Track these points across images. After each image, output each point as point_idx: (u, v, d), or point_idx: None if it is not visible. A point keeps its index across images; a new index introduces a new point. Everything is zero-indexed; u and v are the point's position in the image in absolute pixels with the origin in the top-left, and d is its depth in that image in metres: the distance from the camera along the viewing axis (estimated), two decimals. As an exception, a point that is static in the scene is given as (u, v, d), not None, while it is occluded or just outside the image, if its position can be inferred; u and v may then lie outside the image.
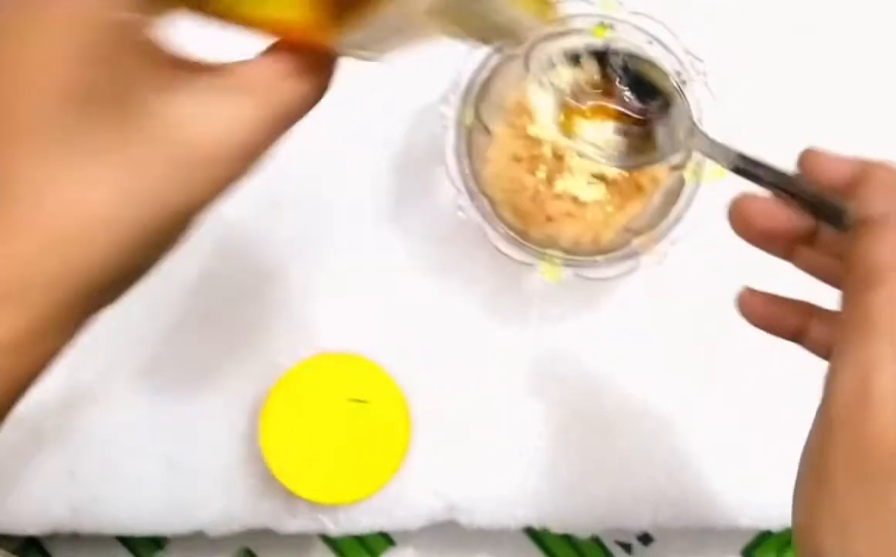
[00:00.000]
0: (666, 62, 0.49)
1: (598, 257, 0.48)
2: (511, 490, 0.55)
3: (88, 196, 0.32)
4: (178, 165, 0.33)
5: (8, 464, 0.55)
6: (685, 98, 0.42)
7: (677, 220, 0.48)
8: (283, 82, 0.34)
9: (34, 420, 0.55)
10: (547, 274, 0.47)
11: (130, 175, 0.32)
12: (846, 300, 0.34)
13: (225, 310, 0.55)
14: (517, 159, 0.50)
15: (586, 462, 0.55)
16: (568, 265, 0.47)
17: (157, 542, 0.66)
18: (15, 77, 0.32)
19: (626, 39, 0.49)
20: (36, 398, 0.52)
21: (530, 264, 0.47)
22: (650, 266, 0.48)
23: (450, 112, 0.47)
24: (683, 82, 0.49)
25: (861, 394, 0.32)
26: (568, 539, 0.64)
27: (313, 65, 0.35)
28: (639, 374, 0.55)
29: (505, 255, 0.47)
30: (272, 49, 0.34)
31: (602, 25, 0.49)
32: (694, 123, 0.41)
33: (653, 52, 0.49)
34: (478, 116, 0.48)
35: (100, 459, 0.56)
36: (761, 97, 0.56)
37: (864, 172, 0.36)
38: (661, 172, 0.50)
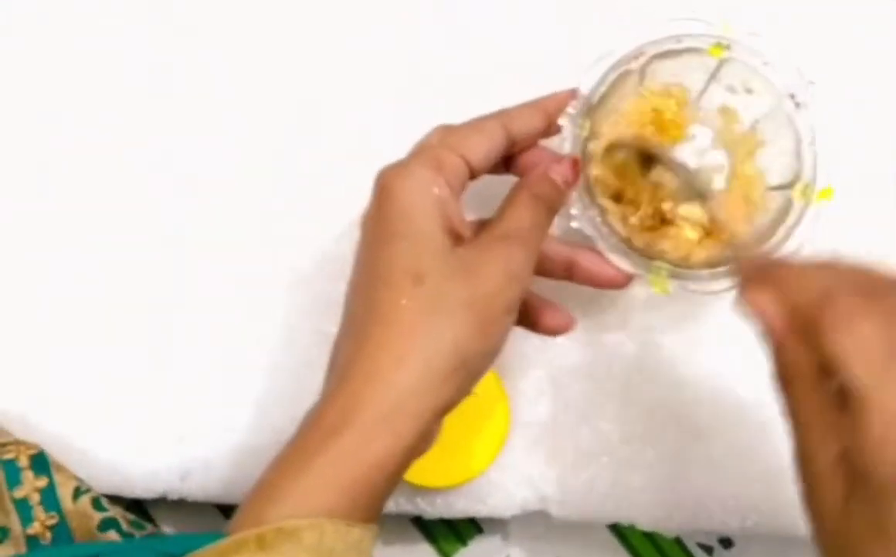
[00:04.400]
0: (779, 84, 0.50)
1: (704, 271, 0.48)
2: (603, 486, 0.56)
3: (450, 335, 0.40)
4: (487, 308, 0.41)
5: (123, 428, 0.59)
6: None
7: (785, 238, 0.49)
8: (543, 221, 0.45)
9: (150, 387, 0.59)
10: (655, 285, 0.48)
11: (468, 321, 0.41)
12: (860, 499, 0.35)
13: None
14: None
15: (679, 464, 0.56)
16: (674, 277, 0.48)
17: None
18: (410, 225, 0.42)
19: (742, 60, 0.50)
20: (153, 369, 0.57)
21: (638, 275, 0.48)
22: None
23: (568, 125, 0.49)
24: (798, 104, 0.50)
25: None
26: (651, 538, 0.65)
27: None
28: (737, 383, 0.56)
29: (614, 265, 0.48)
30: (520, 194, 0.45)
31: (719, 45, 0.50)
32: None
33: (767, 73, 0.50)
34: (594, 128, 0.49)
35: (210, 427, 0.58)
36: (873, 119, 0.56)
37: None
38: (766, 193, 0.51)
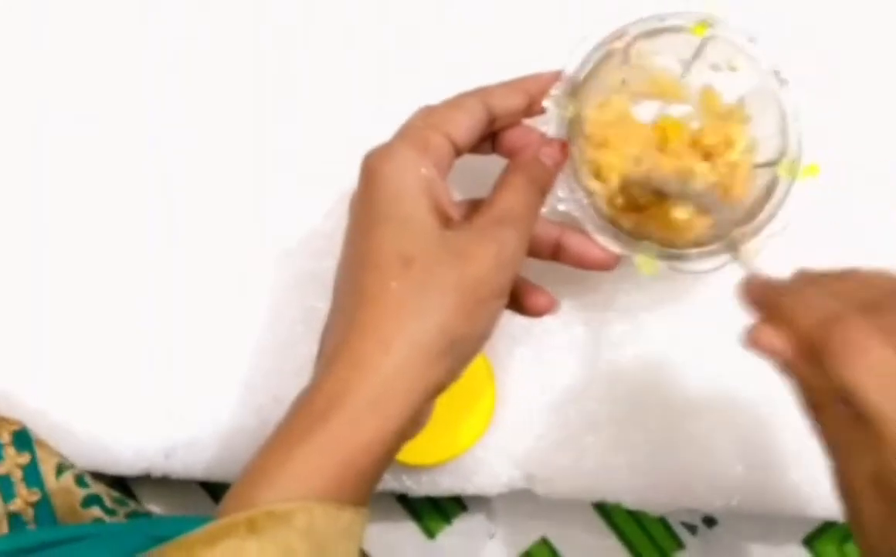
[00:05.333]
0: (764, 61, 0.50)
1: (693, 251, 0.48)
2: (588, 464, 0.56)
3: (438, 317, 0.41)
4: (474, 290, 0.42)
5: (107, 405, 0.58)
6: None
7: (771, 216, 0.49)
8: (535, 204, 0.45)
9: (134, 364, 0.58)
10: (643, 266, 0.48)
11: (457, 303, 0.41)
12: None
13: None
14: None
15: (664, 443, 0.56)
16: (662, 258, 0.48)
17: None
18: (398, 208, 0.42)
19: (725, 37, 0.50)
20: (137, 346, 0.57)
21: (625, 256, 0.48)
22: (744, 261, 0.48)
23: (553, 107, 0.48)
24: (782, 81, 0.50)
25: None
26: (635, 516, 0.66)
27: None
28: (723, 362, 0.56)
29: (602, 246, 0.48)
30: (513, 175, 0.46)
31: (702, 23, 0.50)
32: None
33: (751, 51, 0.50)
34: (579, 110, 0.49)
35: (195, 404, 0.58)
36: (858, 98, 0.57)
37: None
38: (752, 171, 0.51)
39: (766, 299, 0.41)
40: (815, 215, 0.54)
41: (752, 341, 0.39)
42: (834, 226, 0.56)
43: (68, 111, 0.60)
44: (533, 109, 0.48)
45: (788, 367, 0.38)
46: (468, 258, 0.41)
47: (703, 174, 0.50)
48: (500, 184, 0.45)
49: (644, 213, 0.50)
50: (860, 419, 0.35)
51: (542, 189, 0.46)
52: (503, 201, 0.44)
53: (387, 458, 0.40)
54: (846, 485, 0.38)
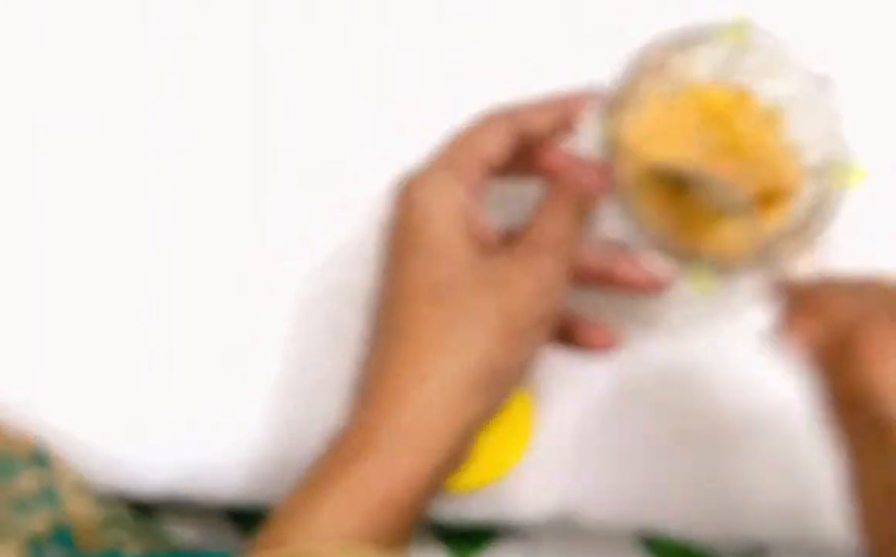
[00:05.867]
0: (802, 66, 0.49)
1: (745, 267, 0.47)
2: (631, 492, 0.55)
3: (476, 349, 0.40)
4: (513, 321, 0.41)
5: (127, 425, 0.57)
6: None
7: (822, 226, 0.47)
8: (576, 231, 0.44)
9: (155, 386, 0.57)
10: (696, 285, 0.47)
11: (496, 334, 0.40)
12: None
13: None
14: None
15: (711, 469, 0.55)
16: (715, 276, 0.47)
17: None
18: (433, 237, 0.41)
19: (761, 44, 0.49)
20: (157, 366, 0.57)
21: (676, 276, 0.48)
22: (796, 275, 0.47)
23: (590, 125, 0.48)
24: (823, 85, 0.49)
25: None
26: (681, 550, 0.64)
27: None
28: (774, 387, 0.54)
29: (650, 270, 0.48)
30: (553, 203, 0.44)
31: (737, 31, 0.49)
32: None
33: (789, 56, 0.49)
34: (617, 127, 0.48)
35: (218, 426, 0.57)
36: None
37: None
38: (800, 180, 0.50)
39: (800, 294, 0.41)
40: (862, 221, 0.52)
41: (785, 331, 0.39)
42: (879, 231, 0.56)
43: (68, 111, 0.60)
44: (567, 128, 0.47)
45: (817, 360, 0.38)
46: (504, 288, 0.41)
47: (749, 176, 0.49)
48: (538, 211, 0.45)
49: (694, 230, 0.49)
50: (877, 425, 0.35)
51: (583, 214, 0.45)
52: (541, 228, 0.44)
53: (427, 495, 0.39)
54: (859, 491, 0.38)
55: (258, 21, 0.61)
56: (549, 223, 0.44)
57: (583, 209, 0.45)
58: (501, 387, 0.41)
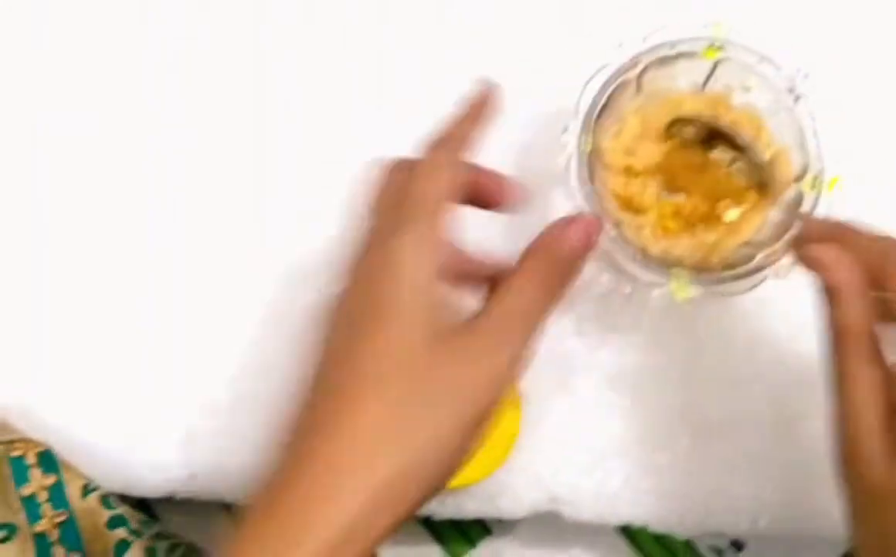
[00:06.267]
0: (777, 79, 0.50)
1: (725, 273, 0.48)
2: (614, 487, 0.56)
3: (423, 437, 0.37)
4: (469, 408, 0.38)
5: (129, 426, 0.58)
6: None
7: (799, 231, 0.48)
8: (554, 295, 0.39)
9: (156, 385, 0.58)
10: (677, 292, 0.48)
11: (463, 405, 0.37)
12: None
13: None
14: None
15: (691, 465, 0.56)
16: (695, 282, 0.48)
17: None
18: (400, 310, 0.37)
19: (737, 59, 0.51)
20: (160, 366, 0.57)
21: (660, 284, 0.48)
22: (775, 280, 0.48)
23: (571, 140, 0.48)
24: (797, 98, 0.50)
25: None
26: (661, 541, 0.65)
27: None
28: (750, 384, 0.56)
29: (632, 275, 0.48)
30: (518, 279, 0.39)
31: (712, 47, 0.50)
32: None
33: (763, 70, 0.51)
34: (597, 142, 0.49)
35: (218, 425, 0.58)
36: (871, 111, 0.57)
37: None
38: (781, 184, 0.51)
39: (830, 231, 0.42)
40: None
41: (813, 254, 0.41)
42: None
43: (68, 111, 0.60)
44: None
45: (837, 287, 0.40)
46: (458, 393, 0.37)
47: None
48: (515, 269, 0.39)
49: (672, 239, 0.50)
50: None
51: (565, 277, 0.40)
52: (511, 296, 0.38)
53: None
54: (854, 421, 0.39)
55: (258, 21, 0.61)
56: (520, 290, 0.39)
57: (563, 271, 0.40)
58: (436, 483, 0.38)
